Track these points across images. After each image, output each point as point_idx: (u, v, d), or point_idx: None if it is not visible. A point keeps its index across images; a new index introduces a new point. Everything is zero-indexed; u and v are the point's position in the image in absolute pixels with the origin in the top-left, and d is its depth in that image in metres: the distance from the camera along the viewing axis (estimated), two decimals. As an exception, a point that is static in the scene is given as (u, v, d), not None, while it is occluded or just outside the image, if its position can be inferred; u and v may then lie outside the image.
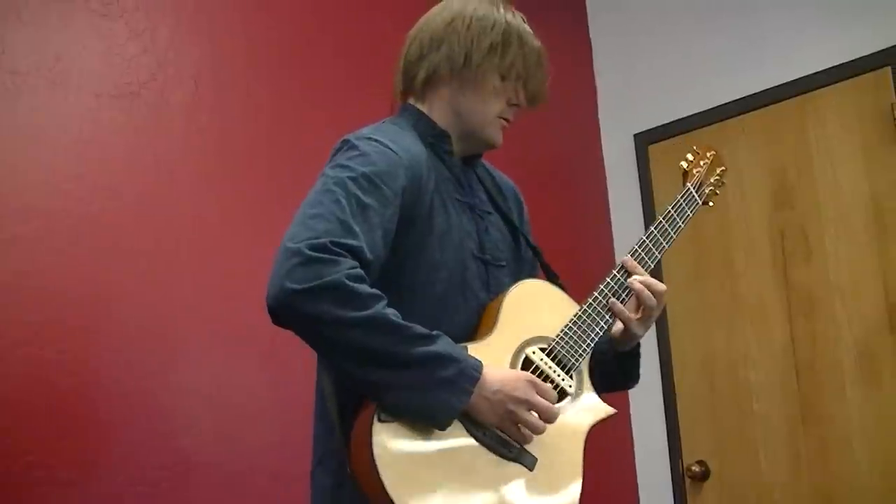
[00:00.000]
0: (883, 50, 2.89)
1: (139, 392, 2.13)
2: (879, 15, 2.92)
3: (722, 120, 3.23)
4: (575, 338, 1.54)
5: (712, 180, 1.84)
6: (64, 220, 2.09)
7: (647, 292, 1.57)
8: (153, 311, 2.19)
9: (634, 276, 1.59)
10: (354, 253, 1.34)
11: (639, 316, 1.59)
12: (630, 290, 1.59)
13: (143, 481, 2.08)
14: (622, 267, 1.61)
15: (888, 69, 2.88)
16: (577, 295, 1.61)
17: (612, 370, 1.66)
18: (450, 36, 1.59)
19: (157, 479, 2.10)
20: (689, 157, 1.85)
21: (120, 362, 2.11)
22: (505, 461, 1.40)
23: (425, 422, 1.35)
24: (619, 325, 1.62)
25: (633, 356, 1.68)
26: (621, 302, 1.57)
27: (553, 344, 1.53)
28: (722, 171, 1.88)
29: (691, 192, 1.78)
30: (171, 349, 2.21)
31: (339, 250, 1.32)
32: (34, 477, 1.92)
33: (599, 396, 1.57)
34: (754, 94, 3.17)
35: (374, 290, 1.34)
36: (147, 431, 2.12)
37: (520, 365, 1.49)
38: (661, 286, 1.59)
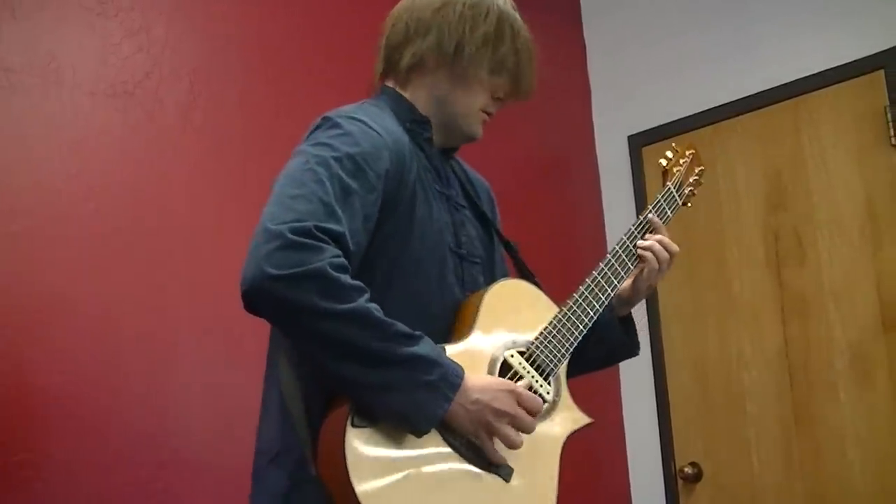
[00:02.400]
0: (876, 53, 2.90)
1: (132, 391, 2.12)
2: (873, 18, 2.93)
3: (716, 122, 3.24)
4: (554, 342, 1.48)
5: (691, 180, 1.79)
6: (57, 220, 2.08)
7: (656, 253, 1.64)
8: (147, 310, 2.18)
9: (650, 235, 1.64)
10: (338, 240, 1.27)
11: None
12: (621, 277, 1.61)
13: (135, 481, 2.07)
14: (611, 258, 1.62)
15: (881, 72, 2.88)
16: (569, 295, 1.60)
17: (619, 337, 1.66)
18: (439, 23, 1.51)
19: (149, 479, 2.09)
20: (669, 154, 1.78)
21: (113, 361, 2.10)
22: (482, 472, 1.35)
23: (404, 426, 1.28)
24: (626, 284, 1.64)
25: (632, 321, 1.69)
26: (612, 289, 1.59)
27: (532, 348, 1.47)
28: (701, 170, 1.82)
29: (672, 192, 1.73)
30: (165, 348, 2.20)
31: (322, 236, 1.25)
32: (25, 476, 1.91)
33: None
34: (748, 96, 3.17)
35: (358, 283, 1.27)
36: (139, 431, 2.11)
37: (498, 368, 1.42)
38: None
